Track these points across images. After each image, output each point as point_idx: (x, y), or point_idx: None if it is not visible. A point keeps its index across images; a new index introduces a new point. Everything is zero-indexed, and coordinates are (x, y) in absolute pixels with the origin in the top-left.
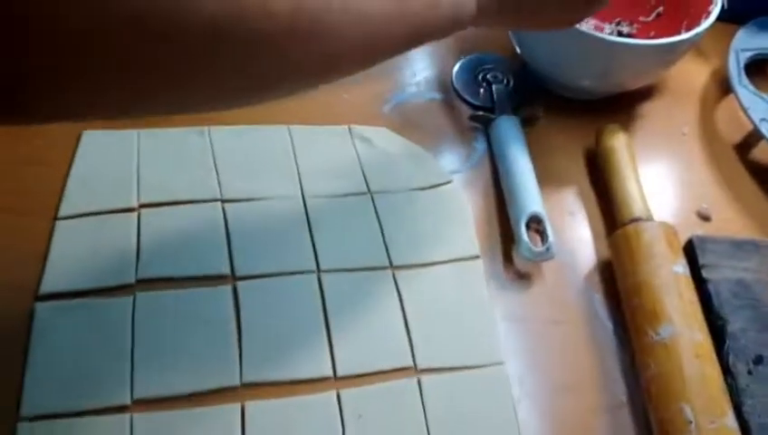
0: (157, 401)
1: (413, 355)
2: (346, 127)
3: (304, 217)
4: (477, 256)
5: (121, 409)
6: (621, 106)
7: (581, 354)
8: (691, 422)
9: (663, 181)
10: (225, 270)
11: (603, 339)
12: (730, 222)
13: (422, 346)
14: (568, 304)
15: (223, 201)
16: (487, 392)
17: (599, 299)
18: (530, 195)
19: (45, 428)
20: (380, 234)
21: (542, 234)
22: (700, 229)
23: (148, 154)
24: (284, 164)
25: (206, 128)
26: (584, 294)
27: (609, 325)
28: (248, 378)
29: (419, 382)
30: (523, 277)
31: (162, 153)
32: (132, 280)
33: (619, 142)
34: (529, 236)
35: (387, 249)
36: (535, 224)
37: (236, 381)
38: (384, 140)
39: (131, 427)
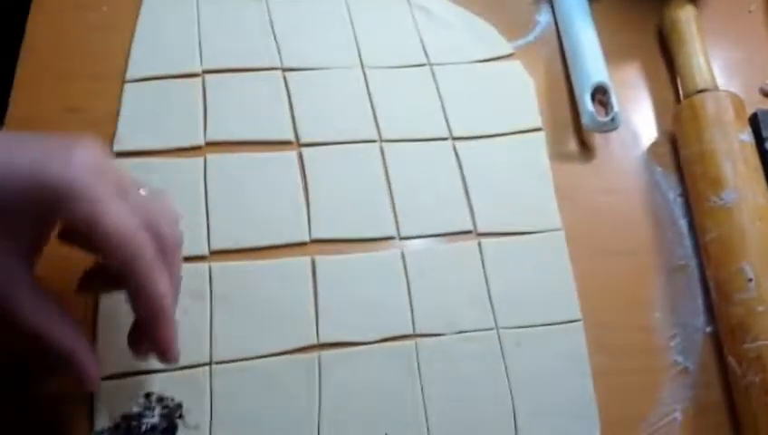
0: (232, 252)
1: (473, 220)
2: None
3: (364, 87)
4: (539, 129)
5: (199, 258)
6: None
7: (640, 222)
8: (751, 280)
9: (727, 59)
10: (290, 136)
11: (662, 208)
12: None
13: (482, 212)
14: (629, 175)
15: (283, 69)
16: (545, 256)
17: (660, 171)
18: (595, 65)
19: None
20: (440, 105)
21: (606, 105)
22: (763, 106)
23: (208, 20)
24: (342, 34)
25: None
26: (645, 166)
27: (669, 195)
28: (317, 235)
29: (479, 245)
30: (585, 149)
31: (221, 19)
32: (201, 142)
33: (686, 14)
34: (593, 107)
35: (447, 120)
36: (600, 95)
37: (306, 237)
38: (444, 10)
39: (210, 274)
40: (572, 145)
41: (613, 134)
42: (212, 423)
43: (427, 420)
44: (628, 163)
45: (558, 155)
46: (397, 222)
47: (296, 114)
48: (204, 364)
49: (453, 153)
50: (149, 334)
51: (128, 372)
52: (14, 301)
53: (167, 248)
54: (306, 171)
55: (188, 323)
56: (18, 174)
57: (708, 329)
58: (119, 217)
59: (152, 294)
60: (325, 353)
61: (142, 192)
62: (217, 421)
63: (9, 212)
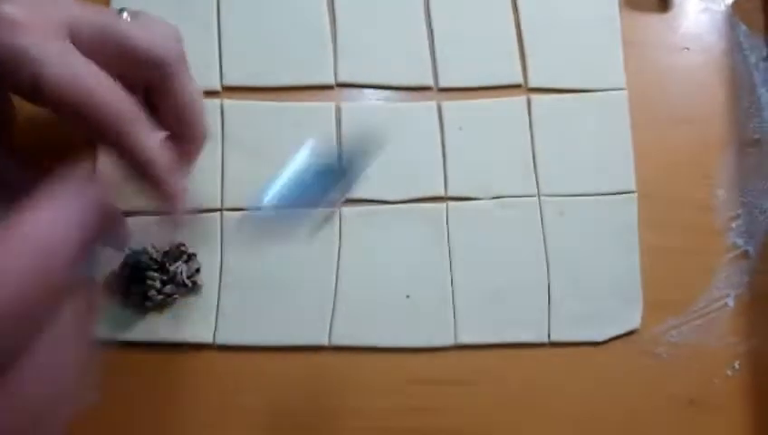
0: (247, 89)
1: (524, 72)
2: None
3: None
4: None
5: (210, 93)
6: None
7: (714, 86)
8: None
9: None
10: None
11: (742, 73)
12: None
13: (535, 63)
14: (707, 32)
15: None
16: (602, 119)
17: (744, 29)
18: None
19: None
20: None
21: None
22: None
23: None
24: None
25: None
26: (728, 23)
27: (750, 59)
28: (344, 78)
29: (528, 102)
30: None
31: None
32: None
33: None
34: None
35: None
36: None
37: (331, 80)
38: None
39: (222, 112)
40: None
41: None
42: (221, 275)
43: (453, 286)
44: (709, 18)
45: (628, 2)
46: (435, 69)
47: None
48: (215, 210)
49: None
50: (150, 187)
51: (131, 212)
52: (36, 62)
53: (159, 73)
54: (334, 3)
55: (198, 163)
56: None
57: None
58: (63, 70)
59: (132, 152)
60: (346, 209)
61: (125, 15)
62: (227, 272)
63: None
